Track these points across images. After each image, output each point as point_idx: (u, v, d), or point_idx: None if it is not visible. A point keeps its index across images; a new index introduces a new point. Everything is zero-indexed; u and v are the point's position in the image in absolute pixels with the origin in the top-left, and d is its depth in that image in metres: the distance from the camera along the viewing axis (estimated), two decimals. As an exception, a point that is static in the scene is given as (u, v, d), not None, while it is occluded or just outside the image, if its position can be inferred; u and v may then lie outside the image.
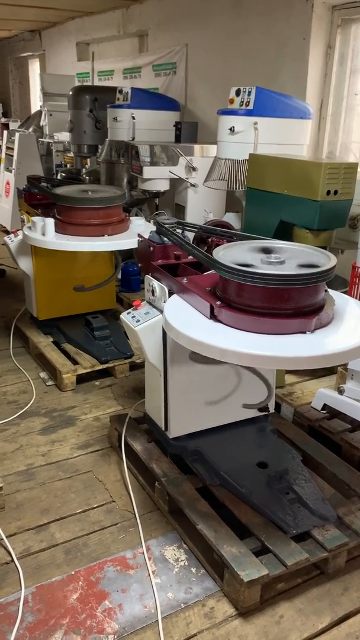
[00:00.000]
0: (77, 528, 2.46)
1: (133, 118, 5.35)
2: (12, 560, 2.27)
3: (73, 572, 2.22)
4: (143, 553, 2.32)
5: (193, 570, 2.24)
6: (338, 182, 3.08)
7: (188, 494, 2.42)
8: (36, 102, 10.62)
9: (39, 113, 8.23)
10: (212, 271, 2.37)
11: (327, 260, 2.09)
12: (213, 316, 2.09)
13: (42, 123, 7.94)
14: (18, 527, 2.45)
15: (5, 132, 7.57)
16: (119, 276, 4.93)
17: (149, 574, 2.21)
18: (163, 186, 4.96)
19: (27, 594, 2.12)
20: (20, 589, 2.13)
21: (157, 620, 2.02)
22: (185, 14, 5.99)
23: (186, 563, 2.27)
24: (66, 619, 2.02)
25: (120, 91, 5.55)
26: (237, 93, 3.99)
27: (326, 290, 2.18)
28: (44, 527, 2.45)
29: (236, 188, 4.01)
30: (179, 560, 2.29)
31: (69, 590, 2.14)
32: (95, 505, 2.59)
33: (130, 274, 4.91)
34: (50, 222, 3.51)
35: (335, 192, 3.09)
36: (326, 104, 4.70)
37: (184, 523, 2.37)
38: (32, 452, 2.97)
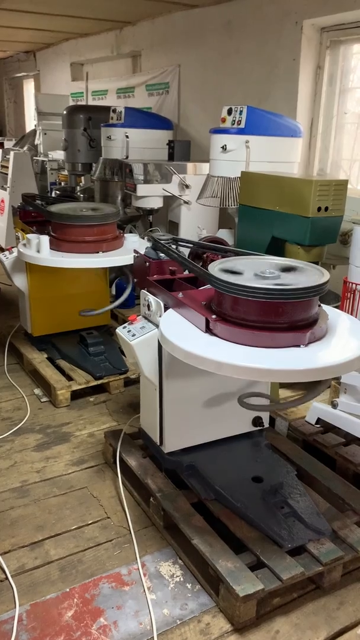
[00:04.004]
0: (72, 545, 2.44)
1: (127, 137, 5.42)
2: (6, 578, 2.25)
3: (68, 589, 2.20)
4: (138, 569, 2.30)
5: (188, 585, 2.23)
6: (328, 198, 3.13)
7: (183, 509, 2.42)
8: (31, 121, 10.73)
9: (34, 132, 8.31)
10: (207, 286, 2.39)
11: (319, 275, 2.12)
12: (208, 330, 2.11)
13: (36, 142, 8.01)
14: (12, 544, 2.43)
15: (0, 151, 7.63)
16: (113, 292, 4.95)
17: (145, 590, 2.20)
18: (157, 203, 5.01)
19: (22, 612, 2.10)
20: (15, 607, 2.11)
21: (153, 637, 2.01)
22: (178, 35, 6.10)
23: (181, 579, 2.26)
24: (61, 636, 2.00)
25: (114, 110, 5.63)
26: (229, 112, 4.07)
27: (319, 305, 2.21)
28: (39, 544, 2.44)
29: (229, 205, 4.06)
30: (175, 575, 2.27)
31: (63, 607, 2.12)
32: (90, 522, 2.58)
33: (124, 290, 4.92)
34: (45, 239, 3.54)
35: (326, 209, 3.14)
36: (316, 123, 4.79)
37: (179, 538, 2.36)
38: (27, 468, 2.96)
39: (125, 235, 3.88)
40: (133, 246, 3.61)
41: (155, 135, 5.67)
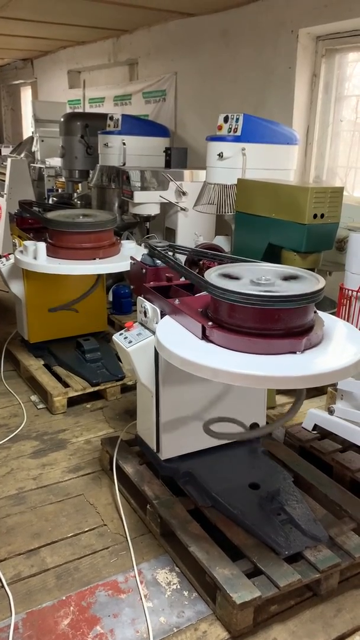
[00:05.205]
0: (68, 552, 2.43)
1: (124, 144, 5.44)
2: (2, 586, 2.24)
3: (64, 597, 2.19)
4: (135, 577, 2.29)
5: (185, 593, 2.22)
6: (324, 205, 3.15)
7: (180, 516, 2.41)
8: (28, 129, 10.75)
9: (31, 139, 8.34)
10: (203, 293, 2.40)
11: (314, 282, 2.13)
12: (205, 337, 2.11)
13: (33, 149, 8.04)
14: (8, 552, 2.42)
15: (-3, 158, 7.66)
16: (110, 298, 4.95)
17: (141, 598, 2.19)
18: (154, 210, 5.03)
19: (18, 620, 2.09)
20: (11, 615, 2.10)
21: (150, 645, 2.00)
22: (175, 43, 6.14)
23: (178, 586, 2.25)
24: (57, 645, 1.99)
25: (111, 118, 5.65)
26: (226, 120, 4.09)
27: (315, 312, 2.22)
28: (35, 552, 2.43)
29: (225, 212, 4.07)
30: (171, 583, 2.27)
31: (60, 615, 2.11)
32: (86, 529, 2.57)
33: (121, 296, 4.93)
34: (41, 246, 3.54)
35: (322, 216, 3.16)
36: (312, 130, 4.82)
37: (176, 545, 2.36)
38: (23, 475, 2.95)
39: (122, 242, 3.89)
40: (130, 253, 3.62)
41: (152, 142, 5.70)
